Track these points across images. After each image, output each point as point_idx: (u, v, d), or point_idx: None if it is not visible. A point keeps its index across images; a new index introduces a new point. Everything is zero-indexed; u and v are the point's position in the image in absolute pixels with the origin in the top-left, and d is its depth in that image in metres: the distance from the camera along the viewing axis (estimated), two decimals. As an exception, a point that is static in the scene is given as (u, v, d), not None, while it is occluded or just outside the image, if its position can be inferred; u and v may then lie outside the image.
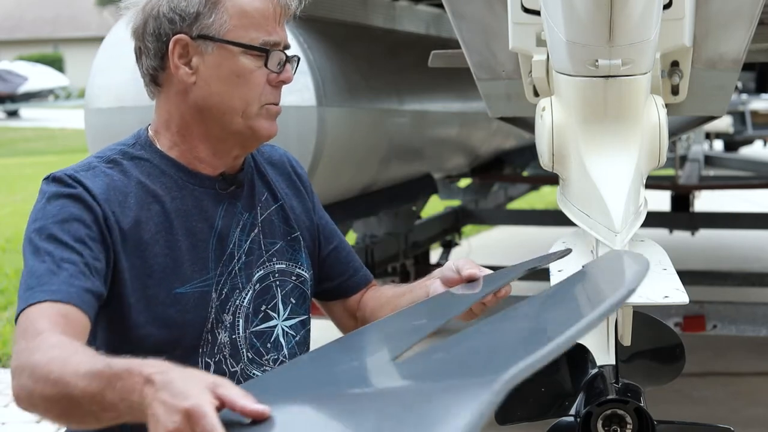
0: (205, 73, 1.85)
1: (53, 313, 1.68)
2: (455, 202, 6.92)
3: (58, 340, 1.61)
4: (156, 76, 1.90)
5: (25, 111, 33.47)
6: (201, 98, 1.86)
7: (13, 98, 32.40)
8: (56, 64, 41.13)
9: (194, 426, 1.32)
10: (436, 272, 2.04)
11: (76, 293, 1.72)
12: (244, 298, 1.93)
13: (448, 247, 6.76)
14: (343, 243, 2.18)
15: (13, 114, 32.66)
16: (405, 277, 5.89)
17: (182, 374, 1.39)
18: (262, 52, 1.85)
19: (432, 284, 2.01)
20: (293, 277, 2.01)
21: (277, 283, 1.98)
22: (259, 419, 1.33)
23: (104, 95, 3.54)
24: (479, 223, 7.43)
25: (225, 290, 1.90)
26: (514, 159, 6.95)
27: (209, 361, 1.89)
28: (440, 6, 3.66)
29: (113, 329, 1.86)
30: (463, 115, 5.07)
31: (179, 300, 1.85)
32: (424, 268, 6.29)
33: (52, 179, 1.83)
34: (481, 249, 8.28)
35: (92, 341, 1.85)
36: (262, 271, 1.96)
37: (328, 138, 3.50)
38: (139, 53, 1.92)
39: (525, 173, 7.82)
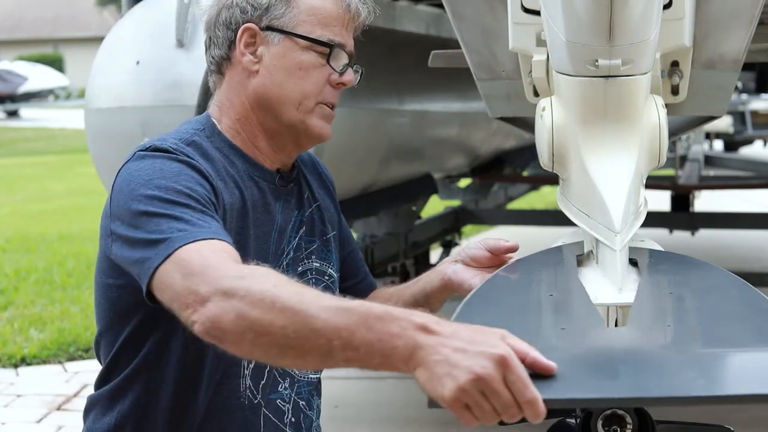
0: (268, 63, 1.90)
1: (230, 249, 1.63)
2: (455, 202, 6.92)
3: (268, 271, 1.56)
4: (221, 65, 1.94)
5: (25, 111, 33.48)
6: (261, 86, 1.90)
7: (13, 98, 32.41)
8: (56, 64, 41.13)
9: (507, 373, 1.33)
10: (448, 260, 2.05)
11: (229, 240, 1.67)
12: None
13: (448, 247, 6.75)
14: (356, 247, 2.23)
15: (13, 114, 32.67)
16: (405, 277, 5.89)
17: (463, 326, 1.40)
18: (327, 47, 1.90)
19: (447, 268, 2.01)
20: (326, 277, 2.03)
21: (313, 281, 2.00)
22: (545, 374, 1.38)
23: (104, 95, 3.54)
24: (479, 223, 7.43)
25: None
26: (514, 159, 6.95)
27: None
28: (440, 6, 3.66)
29: (179, 338, 1.84)
30: (463, 115, 5.08)
31: None
32: (424, 268, 6.29)
33: (153, 149, 1.78)
34: (481, 249, 8.26)
35: (143, 319, 1.83)
36: (302, 268, 1.99)
37: (328, 138, 3.50)
38: (208, 44, 1.97)
39: (525, 173, 7.82)
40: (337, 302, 1.46)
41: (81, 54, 38.52)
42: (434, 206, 6.97)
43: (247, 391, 1.89)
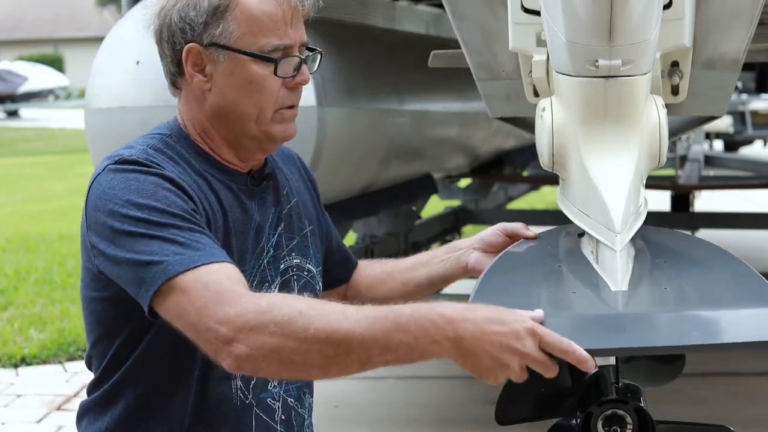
0: (219, 81, 1.84)
1: (231, 270, 1.66)
2: (455, 202, 6.92)
3: (284, 297, 1.64)
4: (175, 81, 1.90)
5: (25, 111, 33.49)
6: (216, 104, 1.86)
7: (13, 98, 32.41)
8: (56, 64, 41.14)
9: (541, 340, 1.57)
10: (464, 244, 2.08)
11: (225, 255, 1.70)
12: (272, 291, 1.93)
13: (448, 247, 6.75)
14: (337, 234, 2.21)
15: (13, 114, 32.67)
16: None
17: (486, 307, 1.59)
18: (270, 61, 1.83)
19: (468, 257, 2.06)
20: (305, 272, 2.02)
21: (294, 277, 1.99)
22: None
23: (104, 95, 3.54)
24: (479, 223, 7.41)
25: (255, 282, 1.89)
26: (514, 159, 6.95)
27: None
28: (440, 6, 3.66)
29: (166, 340, 1.82)
30: (463, 115, 5.08)
31: None
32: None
33: (123, 161, 1.76)
34: (481, 249, 8.26)
35: (125, 322, 1.82)
36: (283, 265, 1.97)
37: (328, 138, 3.50)
38: (161, 56, 1.92)
39: (525, 173, 7.82)
40: (365, 312, 1.56)
41: (81, 54, 38.52)
42: (434, 206, 6.98)
43: (239, 392, 1.89)
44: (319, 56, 1.95)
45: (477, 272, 2.04)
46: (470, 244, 2.11)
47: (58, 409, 5.05)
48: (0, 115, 32.26)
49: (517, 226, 2.06)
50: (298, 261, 2.00)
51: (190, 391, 1.85)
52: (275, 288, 1.93)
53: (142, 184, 1.73)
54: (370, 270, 2.23)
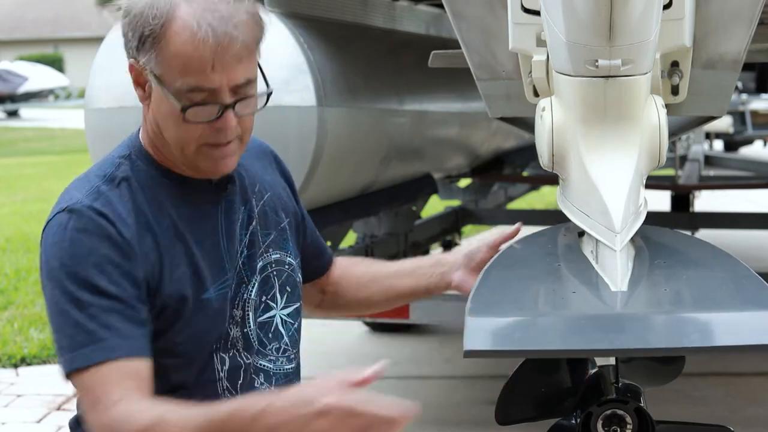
0: (152, 101, 1.84)
1: (118, 375, 1.74)
2: (455, 202, 6.92)
3: (140, 407, 1.70)
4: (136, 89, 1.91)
5: (25, 111, 33.48)
6: (154, 124, 1.87)
7: (13, 98, 32.41)
8: (56, 64, 41.15)
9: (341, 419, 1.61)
10: (450, 259, 2.10)
11: (131, 345, 1.76)
12: (251, 291, 1.94)
13: (448, 247, 6.75)
14: (312, 226, 2.21)
15: (13, 114, 32.67)
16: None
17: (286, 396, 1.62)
18: (179, 106, 1.78)
19: (453, 275, 2.09)
20: (286, 266, 2.02)
21: (274, 273, 1.99)
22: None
23: (104, 95, 3.54)
24: (479, 223, 7.42)
25: (234, 285, 1.91)
26: (514, 159, 6.95)
27: (224, 356, 1.91)
28: (440, 6, 3.66)
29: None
30: (463, 115, 5.07)
31: (207, 306, 1.86)
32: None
33: (69, 211, 1.81)
34: (481, 249, 8.26)
35: None
36: (261, 262, 1.97)
37: (328, 138, 3.50)
38: None
39: (525, 173, 7.81)
40: (197, 420, 1.65)
41: (81, 54, 38.51)
42: (434, 206, 6.97)
43: (226, 392, 1.89)
44: (267, 96, 1.86)
45: (461, 290, 2.07)
46: (456, 261, 2.12)
47: (58, 409, 5.04)
48: (0, 115, 32.26)
49: (501, 237, 2.08)
50: (278, 256, 2.00)
51: (175, 395, 1.86)
52: (254, 287, 1.94)
53: (77, 248, 1.78)
54: (354, 270, 2.24)
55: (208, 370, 1.89)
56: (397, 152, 4.34)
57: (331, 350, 5.63)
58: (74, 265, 1.77)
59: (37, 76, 33.04)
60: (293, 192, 2.14)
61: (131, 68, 1.83)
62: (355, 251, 4.97)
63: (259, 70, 1.85)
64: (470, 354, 1.65)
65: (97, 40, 4.22)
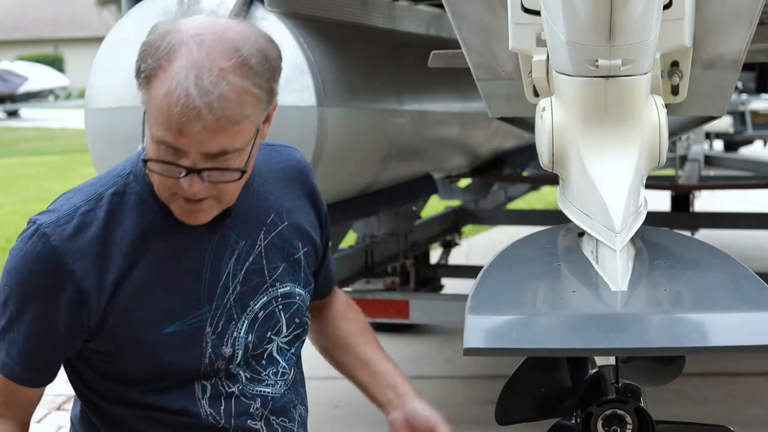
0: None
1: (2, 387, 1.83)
2: (455, 202, 6.92)
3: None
4: None
5: (25, 111, 33.49)
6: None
7: (13, 98, 32.42)
8: (56, 64, 41.15)
9: None
10: (403, 395, 2.09)
11: (28, 377, 1.83)
12: (241, 329, 1.89)
13: (448, 247, 6.76)
14: (327, 254, 2.14)
15: (13, 114, 32.68)
16: (405, 277, 5.89)
17: None
18: (143, 155, 1.75)
19: (392, 412, 2.09)
20: (296, 297, 1.97)
21: (280, 307, 1.94)
22: None
23: (104, 95, 3.54)
24: (479, 223, 7.43)
25: (221, 323, 1.86)
26: (514, 159, 6.95)
27: (206, 383, 1.88)
28: (440, 6, 3.66)
29: (97, 371, 1.89)
30: (463, 115, 5.07)
31: (167, 340, 1.83)
32: (424, 268, 6.29)
33: (37, 228, 1.83)
34: (481, 249, 8.28)
35: (77, 379, 1.92)
36: (265, 298, 1.91)
37: (328, 138, 3.50)
38: None
39: (525, 173, 7.81)
40: None
41: (81, 54, 38.50)
42: (434, 206, 6.97)
43: (209, 417, 1.89)
44: (238, 175, 1.75)
45: (390, 427, 2.09)
46: (406, 404, 2.08)
47: (58, 409, 5.04)
48: (0, 115, 32.25)
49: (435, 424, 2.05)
50: (286, 289, 1.95)
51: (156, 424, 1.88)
52: (243, 325, 1.89)
53: (20, 270, 1.82)
54: (340, 323, 2.19)
55: (189, 397, 1.88)
56: (397, 152, 4.34)
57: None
58: (15, 284, 1.82)
59: (37, 76, 33.07)
60: (320, 218, 2.05)
61: (139, 94, 1.79)
62: (355, 251, 4.97)
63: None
64: (470, 352, 1.65)
65: (97, 40, 4.22)
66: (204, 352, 1.86)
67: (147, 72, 1.72)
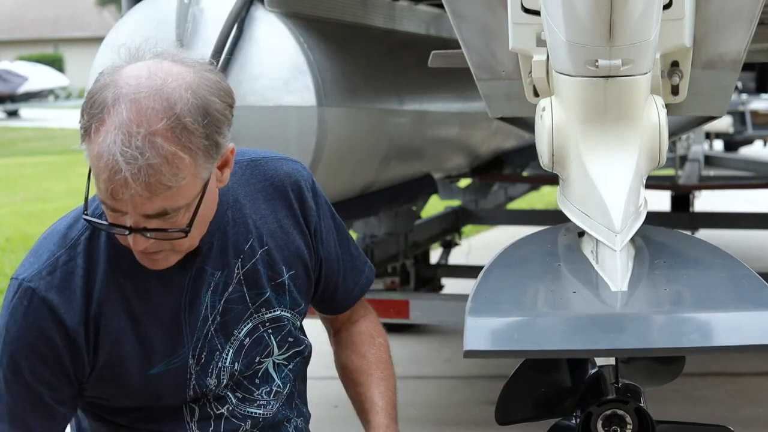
0: None
1: None
2: (455, 202, 6.92)
3: None
4: None
5: (25, 111, 33.47)
6: None
7: (13, 98, 32.40)
8: (56, 64, 41.14)
9: None
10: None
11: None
12: (225, 358, 1.88)
13: (448, 247, 6.75)
14: (344, 272, 2.07)
15: (13, 114, 32.67)
16: (405, 277, 5.88)
17: None
18: (84, 211, 1.73)
19: None
20: (285, 321, 1.95)
21: (270, 331, 1.93)
22: None
23: (104, 95, 3.53)
24: (479, 223, 7.42)
25: (204, 354, 1.86)
26: (514, 159, 6.95)
27: (194, 406, 1.88)
28: (440, 6, 3.66)
29: (86, 401, 1.90)
30: (463, 115, 5.07)
31: (155, 380, 1.83)
32: (424, 268, 6.29)
33: (20, 285, 1.79)
34: (481, 249, 8.27)
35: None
36: (250, 324, 1.90)
37: (328, 138, 3.50)
38: None
39: (525, 173, 7.81)
40: None
41: (81, 54, 38.50)
42: (434, 206, 6.97)
43: None
44: (183, 233, 1.70)
45: None
46: None
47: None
48: (0, 115, 32.24)
49: None
50: (273, 314, 1.92)
51: None
52: (228, 354, 1.87)
53: (13, 331, 1.78)
54: (356, 359, 2.13)
55: (178, 420, 1.88)
56: (397, 152, 4.34)
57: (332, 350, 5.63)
58: (5, 341, 1.79)
59: (37, 76, 33.05)
60: (312, 236, 1.98)
61: None
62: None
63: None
64: (470, 354, 1.65)
65: (97, 40, 4.22)
66: (188, 385, 1.85)
67: (85, 128, 1.65)
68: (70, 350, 1.79)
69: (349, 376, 2.13)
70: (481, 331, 1.70)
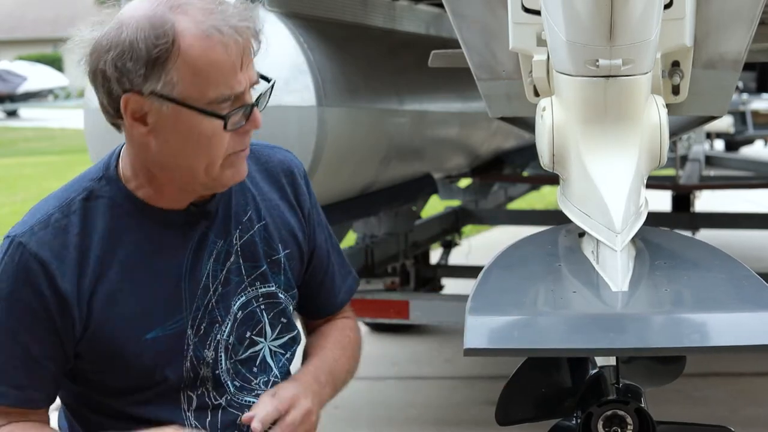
0: (162, 131, 1.72)
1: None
2: (455, 202, 6.91)
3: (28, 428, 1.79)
4: (117, 125, 1.79)
5: (25, 111, 33.47)
6: (161, 154, 1.75)
7: (13, 98, 32.41)
8: (56, 64, 41.12)
9: None
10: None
11: (21, 396, 1.80)
12: (224, 331, 1.87)
13: (448, 247, 6.75)
14: (328, 274, 2.08)
15: (12, 114, 32.67)
16: (405, 277, 5.88)
17: None
18: (219, 117, 1.70)
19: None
20: (278, 298, 1.94)
21: (263, 307, 1.91)
22: None
23: (104, 95, 3.53)
24: (479, 223, 7.42)
25: (203, 325, 1.85)
26: (514, 159, 6.95)
27: (191, 394, 1.86)
28: (440, 6, 3.66)
29: (80, 381, 1.88)
30: (463, 115, 5.07)
31: (150, 345, 1.81)
32: (424, 268, 6.29)
33: (10, 241, 1.78)
34: (481, 249, 8.27)
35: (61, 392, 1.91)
36: (243, 298, 1.89)
37: (328, 138, 3.49)
38: (96, 93, 1.79)
39: (525, 173, 7.81)
40: None
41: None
42: (434, 206, 6.97)
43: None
44: (270, 89, 1.80)
45: None
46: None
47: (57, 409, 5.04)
48: (0, 115, 32.25)
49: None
50: (267, 289, 1.92)
51: None
52: (227, 327, 1.86)
53: (3, 280, 1.77)
54: (315, 336, 2.11)
55: (175, 408, 1.86)
56: (397, 152, 4.34)
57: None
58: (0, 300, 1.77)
59: (37, 76, 33.07)
60: (305, 219, 2.00)
61: (127, 103, 1.70)
62: (355, 251, 4.97)
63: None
64: (470, 352, 1.65)
65: (97, 40, 4.21)
66: (185, 356, 1.83)
67: (165, 53, 1.65)
68: (62, 306, 1.76)
69: (305, 353, 2.09)
70: (481, 330, 1.70)
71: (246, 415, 1.82)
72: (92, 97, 3.58)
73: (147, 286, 1.81)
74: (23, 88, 32.29)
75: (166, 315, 1.82)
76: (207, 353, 1.85)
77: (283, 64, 3.38)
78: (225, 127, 1.71)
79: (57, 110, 33.98)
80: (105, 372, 1.84)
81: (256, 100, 1.75)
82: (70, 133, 24.59)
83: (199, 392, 1.87)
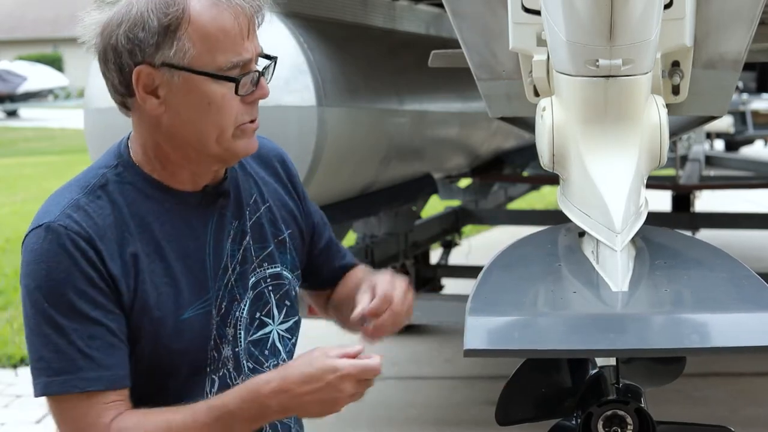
0: (174, 102, 1.76)
1: (97, 405, 1.73)
2: (455, 202, 6.91)
3: (139, 419, 1.73)
4: (125, 104, 1.83)
5: (25, 111, 33.48)
6: (172, 126, 1.78)
7: (13, 98, 32.42)
8: (56, 64, 41.14)
9: (359, 378, 1.77)
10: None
11: (110, 377, 1.73)
12: (243, 309, 1.89)
13: (448, 247, 6.75)
14: (331, 238, 2.15)
15: (12, 114, 32.68)
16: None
17: (296, 370, 1.72)
18: (230, 80, 1.75)
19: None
20: (284, 280, 1.97)
21: (270, 288, 1.94)
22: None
23: (103, 95, 3.51)
24: (479, 223, 7.42)
25: (224, 304, 1.87)
26: (514, 159, 6.95)
27: (214, 377, 1.87)
28: (440, 6, 3.66)
29: None
30: (463, 115, 5.07)
31: (184, 326, 1.81)
32: (424, 268, 6.29)
33: (45, 228, 1.75)
34: (481, 249, 8.27)
35: None
36: (253, 278, 1.92)
37: (328, 138, 3.49)
38: (105, 77, 1.83)
39: (525, 173, 7.81)
40: (200, 417, 1.72)
41: (80, 54, 38.49)
42: (434, 206, 6.97)
43: None
44: (273, 64, 1.85)
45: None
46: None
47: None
48: (0, 115, 32.26)
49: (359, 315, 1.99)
50: (274, 270, 1.95)
51: None
52: (246, 305, 1.89)
53: (55, 271, 1.73)
54: (347, 283, 2.14)
55: (199, 392, 1.85)
56: (397, 152, 4.34)
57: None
58: (53, 288, 1.73)
59: (37, 76, 33.06)
60: (301, 199, 2.07)
61: (139, 75, 1.74)
62: (354, 251, 4.97)
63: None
64: (470, 353, 1.65)
65: (97, 40, 4.21)
66: (210, 336, 1.85)
67: (176, 21, 1.71)
68: (114, 283, 1.75)
69: (338, 297, 2.14)
70: (481, 331, 1.70)
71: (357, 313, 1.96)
72: (92, 97, 3.59)
73: (177, 267, 1.82)
74: (23, 88, 32.29)
75: (193, 296, 1.83)
76: (228, 330, 1.87)
77: (283, 64, 3.36)
78: (236, 91, 1.76)
79: (57, 110, 34.00)
80: (142, 354, 1.81)
81: (264, 69, 1.80)
82: (70, 133, 24.60)
83: (220, 374, 1.88)
